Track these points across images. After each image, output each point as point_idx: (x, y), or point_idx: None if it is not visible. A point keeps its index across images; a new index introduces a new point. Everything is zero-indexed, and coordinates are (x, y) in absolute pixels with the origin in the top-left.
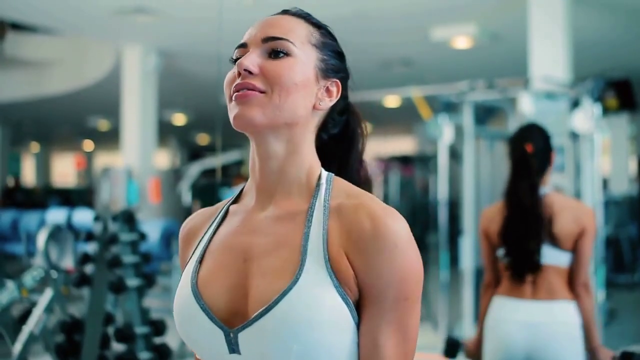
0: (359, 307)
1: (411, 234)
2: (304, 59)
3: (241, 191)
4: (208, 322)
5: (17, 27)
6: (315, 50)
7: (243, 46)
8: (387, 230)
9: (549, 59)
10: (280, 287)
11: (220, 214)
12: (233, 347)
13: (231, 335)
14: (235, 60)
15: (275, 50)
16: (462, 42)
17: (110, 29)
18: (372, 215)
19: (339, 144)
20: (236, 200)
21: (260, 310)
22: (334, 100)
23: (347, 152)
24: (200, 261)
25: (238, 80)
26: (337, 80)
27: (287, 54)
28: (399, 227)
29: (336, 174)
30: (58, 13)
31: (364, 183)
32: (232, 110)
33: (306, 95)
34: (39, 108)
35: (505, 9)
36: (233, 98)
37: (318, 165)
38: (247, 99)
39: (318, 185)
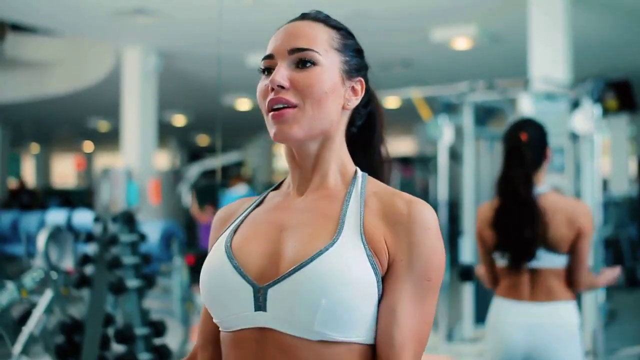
0: (384, 283)
1: (439, 224)
2: (330, 65)
3: (282, 182)
4: (238, 278)
5: (17, 28)
6: (338, 54)
7: (270, 57)
8: (421, 215)
9: (549, 59)
10: (314, 249)
11: (259, 199)
12: (260, 304)
13: (260, 291)
14: (264, 70)
15: (303, 60)
16: (462, 43)
17: (110, 29)
18: (408, 201)
19: (362, 131)
20: (275, 189)
21: (294, 267)
22: (360, 97)
23: (370, 136)
24: (235, 231)
25: (271, 95)
26: (361, 79)
27: (314, 64)
28: (430, 215)
29: (361, 156)
30: (58, 14)
31: (386, 161)
32: (271, 128)
33: (335, 100)
34: (39, 109)
35: (505, 10)
36: (270, 116)
37: (350, 161)
38: (283, 118)
39: (355, 177)
